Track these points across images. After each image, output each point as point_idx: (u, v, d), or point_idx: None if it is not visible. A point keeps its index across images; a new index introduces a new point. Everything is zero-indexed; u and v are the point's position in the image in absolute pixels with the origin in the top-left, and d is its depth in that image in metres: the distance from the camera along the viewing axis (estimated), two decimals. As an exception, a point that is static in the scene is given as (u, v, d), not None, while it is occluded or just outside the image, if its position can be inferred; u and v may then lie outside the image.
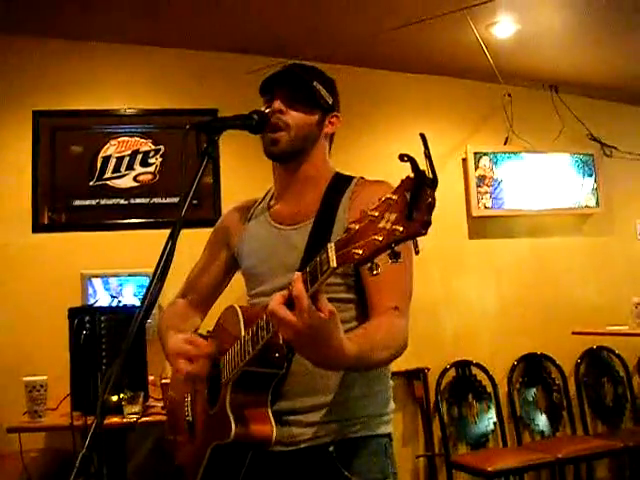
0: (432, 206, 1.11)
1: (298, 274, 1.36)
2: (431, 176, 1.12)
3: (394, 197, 1.15)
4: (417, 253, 1.16)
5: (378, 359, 1.62)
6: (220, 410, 1.75)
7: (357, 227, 1.20)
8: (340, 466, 1.77)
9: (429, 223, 1.11)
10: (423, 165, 1.13)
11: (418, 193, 1.11)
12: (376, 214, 1.17)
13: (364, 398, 1.84)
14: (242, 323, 1.72)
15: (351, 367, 1.58)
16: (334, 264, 1.24)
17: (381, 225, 1.15)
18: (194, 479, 1.85)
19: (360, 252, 1.18)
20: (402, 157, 1.14)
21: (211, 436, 1.79)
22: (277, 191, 2.06)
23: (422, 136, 1.17)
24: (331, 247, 1.25)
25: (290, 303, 1.36)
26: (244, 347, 1.64)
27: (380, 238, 1.14)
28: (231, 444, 1.69)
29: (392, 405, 1.94)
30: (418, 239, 1.14)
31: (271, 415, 1.73)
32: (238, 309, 1.79)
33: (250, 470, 1.77)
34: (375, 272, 1.18)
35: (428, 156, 1.14)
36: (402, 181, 1.15)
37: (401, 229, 1.12)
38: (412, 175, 1.13)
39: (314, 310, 1.34)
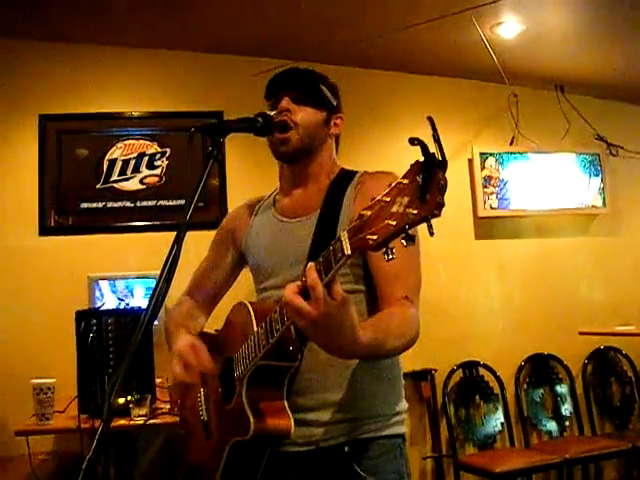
0: (444, 188, 1.12)
1: (311, 264, 1.36)
2: (441, 159, 1.13)
3: (405, 181, 1.16)
4: (432, 235, 1.15)
5: (391, 347, 1.61)
6: (236, 406, 1.75)
7: (369, 213, 1.20)
8: (355, 466, 1.78)
9: (442, 204, 1.12)
10: (432, 149, 1.14)
11: (429, 175, 1.12)
12: (388, 199, 1.17)
13: (377, 396, 1.84)
14: (253, 318, 1.73)
15: (365, 355, 1.57)
16: (348, 252, 1.24)
17: (394, 209, 1.15)
18: (212, 479, 1.86)
19: (375, 237, 1.18)
20: (412, 140, 1.15)
21: (229, 433, 1.79)
22: (283, 187, 2.08)
23: (430, 119, 1.19)
24: (344, 235, 1.26)
25: (304, 292, 1.37)
26: (258, 341, 1.64)
27: (394, 222, 1.15)
28: (250, 440, 1.69)
29: (405, 405, 1.94)
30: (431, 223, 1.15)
31: (288, 408, 1.74)
32: (249, 305, 1.80)
33: (266, 470, 1.77)
34: (390, 257, 1.18)
35: (437, 139, 1.15)
36: (412, 165, 1.16)
37: (415, 211, 1.12)
38: (422, 159, 1.13)
39: (329, 299, 1.34)
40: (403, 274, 1.77)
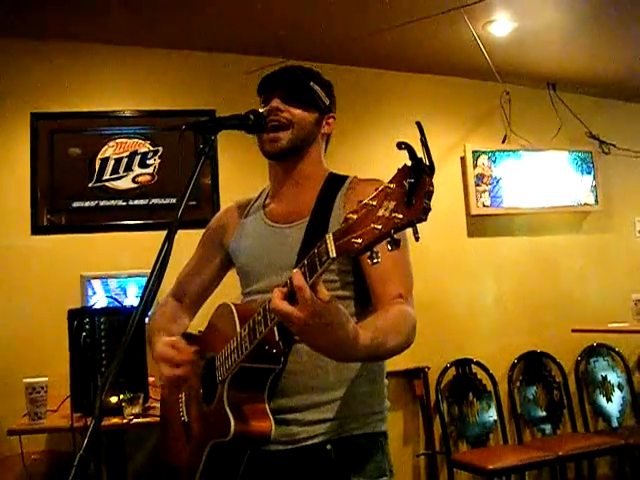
0: (431, 192, 1.12)
1: (296, 269, 1.35)
2: (428, 163, 1.13)
3: (392, 186, 1.16)
4: (417, 239, 1.16)
5: (392, 345, 1.59)
6: (217, 408, 1.75)
7: (355, 217, 1.20)
8: (338, 464, 1.77)
9: (429, 209, 1.12)
10: (420, 153, 1.14)
11: (416, 180, 1.12)
12: (374, 203, 1.17)
13: (361, 396, 1.84)
14: (237, 320, 1.73)
15: (366, 355, 1.54)
16: (333, 254, 1.24)
17: (380, 213, 1.15)
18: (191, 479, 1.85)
19: (360, 241, 1.18)
20: (400, 145, 1.15)
21: (209, 434, 1.78)
22: (272, 190, 2.07)
23: (418, 124, 1.19)
24: (329, 237, 1.26)
25: (290, 297, 1.36)
26: (241, 343, 1.64)
27: (379, 226, 1.15)
28: (230, 442, 1.69)
29: (387, 403, 1.94)
30: (417, 227, 1.15)
31: (269, 411, 1.74)
32: (232, 306, 1.79)
33: (248, 469, 1.77)
34: (375, 260, 1.18)
35: (425, 144, 1.15)
36: (399, 170, 1.16)
37: (401, 216, 1.13)
38: (409, 163, 1.13)
39: (316, 299, 1.34)
40: (395, 273, 1.77)
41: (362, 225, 1.18)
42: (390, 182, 1.16)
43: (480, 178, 5.10)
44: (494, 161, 5.16)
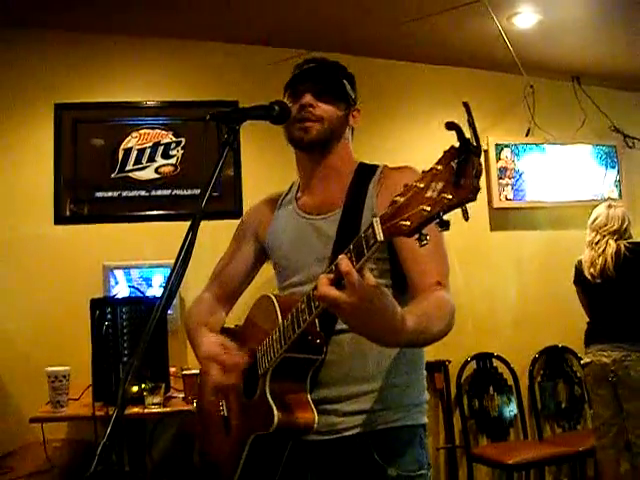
0: (480, 172, 1.12)
1: (342, 255, 1.34)
2: (475, 144, 1.13)
3: (439, 167, 1.16)
4: (466, 219, 1.15)
5: (435, 330, 1.59)
6: (260, 400, 1.75)
7: (402, 199, 1.20)
8: (376, 456, 1.78)
9: (478, 189, 1.12)
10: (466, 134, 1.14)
11: (465, 160, 1.12)
12: (422, 185, 1.17)
13: (401, 387, 1.85)
14: (278, 311, 1.73)
15: (409, 341, 1.53)
16: (381, 237, 1.24)
17: (428, 195, 1.15)
18: (232, 474, 1.84)
19: (408, 223, 1.18)
20: (449, 125, 1.14)
21: (251, 427, 1.78)
22: (303, 182, 2.07)
23: (465, 105, 1.18)
24: (377, 221, 1.25)
25: (337, 283, 1.35)
26: (284, 333, 1.64)
27: (428, 208, 1.15)
28: (272, 433, 1.69)
29: (426, 395, 1.94)
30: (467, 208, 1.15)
31: (311, 401, 1.74)
32: (273, 297, 1.79)
33: (288, 460, 1.78)
34: (424, 242, 1.18)
35: (472, 124, 1.15)
36: (445, 152, 1.16)
37: (450, 196, 1.12)
38: (457, 144, 1.13)
39: (364, 283, 1.33)
40: (432, 261, 1.78)
41: (410, 207, 1.18)
42: (437, 163, 1.16)
43: (503, 171, 5.08)
44: (517, 154, 5.13)
